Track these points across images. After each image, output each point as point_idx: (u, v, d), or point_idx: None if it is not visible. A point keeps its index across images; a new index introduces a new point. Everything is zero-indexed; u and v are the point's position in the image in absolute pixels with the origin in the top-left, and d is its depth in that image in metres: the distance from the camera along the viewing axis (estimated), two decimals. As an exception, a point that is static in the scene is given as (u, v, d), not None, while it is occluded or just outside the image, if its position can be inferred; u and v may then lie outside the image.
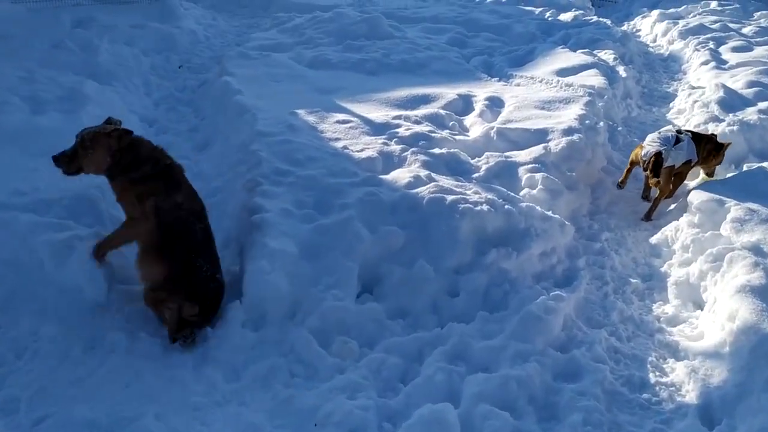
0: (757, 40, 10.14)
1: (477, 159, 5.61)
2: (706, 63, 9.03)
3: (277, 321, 3.85)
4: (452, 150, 5.62)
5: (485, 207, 4.60)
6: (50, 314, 3.73)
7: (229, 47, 9.16)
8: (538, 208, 4.86)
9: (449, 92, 7.08)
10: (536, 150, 5.73)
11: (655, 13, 12.26)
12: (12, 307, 3.72)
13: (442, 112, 6.52)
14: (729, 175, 5.80)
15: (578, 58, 8.56)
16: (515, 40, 9.73)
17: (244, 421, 3.24)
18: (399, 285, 4.20)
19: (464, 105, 6.90)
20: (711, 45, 9.72)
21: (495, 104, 6.88)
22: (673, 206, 5.57)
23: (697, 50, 9.67)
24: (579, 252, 4.89)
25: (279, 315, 3.88)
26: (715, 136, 5.81)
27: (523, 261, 4.45)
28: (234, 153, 5.54)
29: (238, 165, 5.28)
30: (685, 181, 5.73)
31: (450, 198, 4.64)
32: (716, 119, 6.78)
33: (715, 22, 11.15)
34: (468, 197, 4.71)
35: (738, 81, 7.87)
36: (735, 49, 9.55)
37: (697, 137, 5.59)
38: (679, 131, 5.55)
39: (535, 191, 5.22)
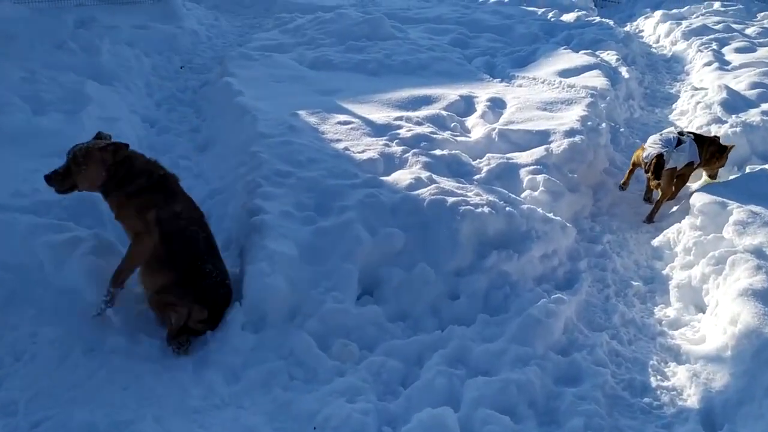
0: (761, 41, 10.10)
1: (478, 160, 5.59)
2: (709, 64, 9.00)
3: (277, 323, 3.83)
4: (453, 151, 5.61)
5: (486, 209, 4.58)
6: (49, 316, 3.71)
7: (230, 48, 9.18)
8: (539, 210, 4.84)
9: (451, 93, 7.07)
10: (538, 151, 5.71)
11: (658, 13, 12.23)
12: (11, 309, 3.70)
13: (444, 113, 6.51)
14: (731, 177, 5.78)
15: (581, 58, 8.55)
16: (518, 41, 9.72)
17: (242, 425, 3.23)
18: (399, 287, 4.18)
19: (466, 106, 6.89)
20: (714, 46, 9.69)
21: (497, 105, 6.87)
22: (675, 208, 5.55)
23: (700, 51, 9.65)
24: (580, 254, 4.87)
25: (279, 317, 3.86)
26: (718, 138, 5.79)
27: (524, 263, 4.43)
28: (234, 154, 5.53)
29: (239, 166, 5.27)
30: (688, 183, 5.71)
31: (451, 200, 4.63)
32: (719, 121, 6.76)
33: (719, 22, 11.11)
34: (469, 199, 4.69)
35: (741, 82, 7.84)
36: (738, 50, 9.51)
37: (699, 139, 5.57)
38: (681, 133, 5.53)
39: (536, 193, 5.21)
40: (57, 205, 4.36)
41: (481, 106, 6.78)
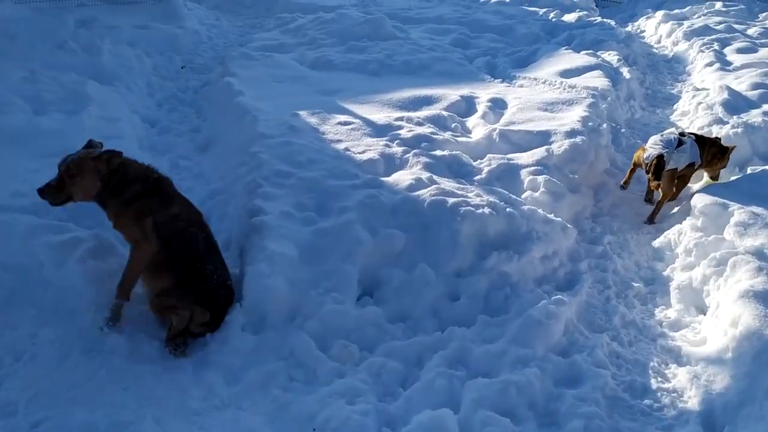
0: (762, 41, 10.09)
1: (479, 161, 5.59)
2: (710, 64, 8.99)
3: (277, 324, 3.82)
4: (454, 152, 5.60)
5: (487, 210, 4.58)
6: (49, 316, 3.70)
7: (232, 48, 9.18)
8: (540, 210, 4.84)
9: (452, 93, 7.06)
10: (539, 152, 5.70)
11: (660, 14, 12.22)
12: (11, 309, 3.69)
13: (445, 113, 6.50)
14: (733, 178, 5.76)
15: (582, 59, 8.54)
16: (519, 41, 9.71)
17: (242, 426, 3.22)
18: (399, 288, 4.17)
19: (467, 106, 6.88)
20: (716, 46, 9.68)
21: (498, 106, 6.86)
22: (676, 209, 5.54)
23: (702, 51, 9.63)
24: (581, 255, 4.86)
25: (279, 318, 3.85)
26: (719, 139, 5.78)
27: (524, 264, 4.43)
28: (235, 154, 5.53)
29: (239, 166, 5.26)
30: (689, 184, 5.70)
31: (451, 201, 4.62)
32: (720, 121, 6.74)
33: (720, 23, 11.10)
34: (469, 200, 4.69)
35: (742, 83, 7.83)
36: (740, 51, 9.50)
37: (700, 140, 5.56)
38: (682, 134, 5.52)
39: (537, 194, 5.20)
40: (57, 206, 4.35)
41: (481, 107, 6.78)
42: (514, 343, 3.73)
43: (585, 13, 11.78)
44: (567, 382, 3.59)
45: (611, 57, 8.95)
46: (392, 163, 5.38)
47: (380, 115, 6.36)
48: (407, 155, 5.46)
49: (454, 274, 4.31)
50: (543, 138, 5.96)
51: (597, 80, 7.74)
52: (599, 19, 11.43)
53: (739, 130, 6.41)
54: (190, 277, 3.71)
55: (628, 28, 11.67)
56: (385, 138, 5.80)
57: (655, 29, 11.78)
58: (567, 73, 7.98)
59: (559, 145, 5.79)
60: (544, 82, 7.78)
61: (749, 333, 3.62)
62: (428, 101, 6.87)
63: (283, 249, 4.11)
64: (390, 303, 4.12)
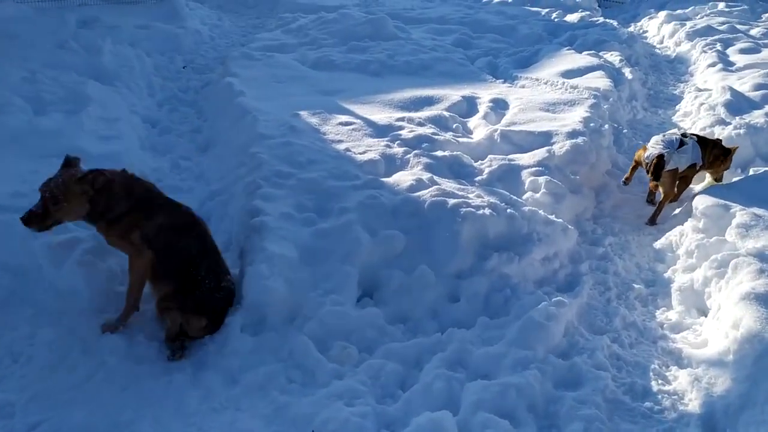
0: (765, 41, 10.06)
1: (480, 162, 5.57)
2: (713, 65, 8.97)
3: (276, 326, 3.80)
4: (455, 153, 5.59)
5: (487, 211, 4.56)
6: (48, 317, 3.70)
7: (233, 48, 9.18)
8: (540, 212, 4.82)
9: (453, 94, 7.05)
10: (540, 153, 5.69)
11: (663, 14, 12.19)
12: (9, 310, 3.70)
13: (446, 114, 6.49)
14: (735, 179, 5.74)
15: (584, 59, 8.52)
16: (521, 42, 9.70)
17: (240, 428, 3.21)
18: (399, 290, 4.16)
19: (468, 107, 6.87)
20: (718, 47, 9.65)
21: (499, 106, 6.85)
22: (677, 211, 5.51)
23: (704, 52, 9.60)
24: (582, 257, 4.85)
25: (278, 320, 3.83)
26: (720, 140, 5.75)
27: (525, 266, 4.41)
28: (235, 155, 5.52)
29: (239, 167, 5.26)
30: (691, 186, 5.68)
31: (452, 202, 4.60)
32: (723, 122, 6.71)
33: (723, 23, 11.07)
34: (470, 201, 4.67)
35: (745, 83, 7.80)
36: (742, 51, 9.47)
37: (703, 141, 5.54)
38: (684, 134, 5.50)
39: (538, 195, 5.18)
40: (56, 206, 4.34)
41: (483, 107, 6.77)
42: (514, 345, 3.70)
43: (587, 13, 11.76)
44: (567, 385, 3.57)
45: (613, 57, 8.93)
46: (393, 164, 5.37)
47: (381, 116, 6.34)
48: (408, 156, 5.44)
49: (454, 275, 4.29)
50: (544, 139, 5.95)
51: (599, 81, 7.72)
52: (601, 19, 11.41)
53: (742, 131, 6.38)
54: (185, 286, 3.71)
55: (631, 29, 11.65)
56: (386, 138, 5.78)
57: (657, 29, 11.75)
58: (569, 74, 7.96)
59: (561, 146, 5.77)
60: (545, 83, 7.76)
61: (751, 335, 3.60)
62: (429, 101, 6.85)
63: (282, 250, 4.10)
64: (390, 304, 4.10)
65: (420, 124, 6.16)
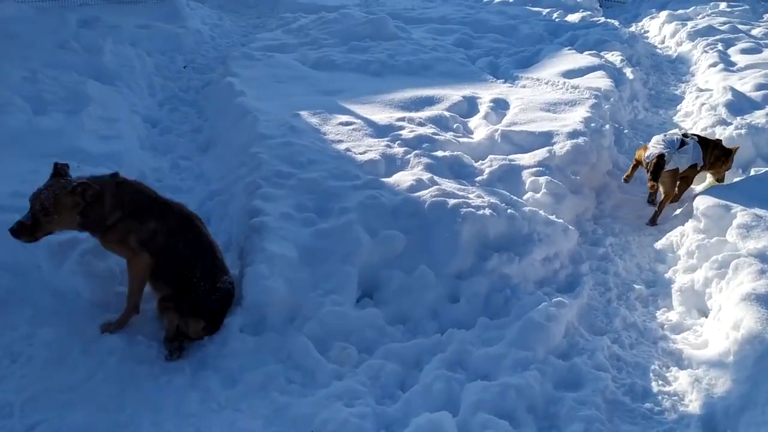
0: (767, 42, 10.05)
1: (480, 162, 5.56)
2: (714, 65, 8.96)
3: (276, 326, 3.80)
4: (456, 153, 5.58)
5: (488, 211, 4.55)
6: (47, 317, 3.69)
7: (234, 47, 9.17)
8: (541, 212, 4.81)
9: (454, 94, 7.04)
10: (541, 153, 5.68)
11: (664, 14, 12.18)
12: (8, 310, 3.69)
13: (447, 114, 6.48)
14: (736, 179, 5.72)
15: (585, 59, 8.52)
16: (522, 42, 9.69)
17: (239, 428, 3.20)
18: (399, 290, 4.15)
19: (469, 107, 6.86)
20: (719, 47, 9.64)
21: (500, 106, 6.84)
22: (678, 211, 5.50)
23: (706, 52, 9.59)
24: (582, 257, 4.84)
25: (278, 320, 3.82)
26: (720, 141, 5.74)
27: (525, 266, 4.40)
28: (235, 155, 5.52)
29: (239, 167, 5.25)
30: (692, 186, 5.66)
31: (452, 202, 4.60)
32: (724, 122, 6.70)
33: (724, 23, 11.06)
34: (470, 201, 4.66)
35: (746, 84, 7.79)
36: (744, 51, 9.46)
37: (704, 142, 5.52)
38: (685, 135, 5.49)
39: (538, 195, 5.17)
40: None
41: (484, 107, 6.76)
42: (514, 345, 3.69)
43: (588, 13, 11.76)
44: (567, 385, 3.56)
45: (614, 57, 8.92)
46: (393, 164, 5.36)
47: (382, 116, 6.34)
48: (408, 156, 5.44)
49: (454, 275, 4.29)
50: (545, 139, 5.94)
51: (600, 81, 7.71)
52: (603, 19, 11.40)
53: (743, 131, 6.36)
54: (183, 287, 3.70)
55: (632, 29, 11.64)
56: (387, 138, 5.78)
57: (658, 29, 11.75)
58: (570, 74, 7.95)
59: (562, 146, 5.76)
60: (546, 83, 7.75)
61: (751, 336, 3.59)
62: (430, 102, 6.85)
63: (282, 250, 4.09)
64: (389, 305, 4.09)
65: (420, 124, 6.15)
